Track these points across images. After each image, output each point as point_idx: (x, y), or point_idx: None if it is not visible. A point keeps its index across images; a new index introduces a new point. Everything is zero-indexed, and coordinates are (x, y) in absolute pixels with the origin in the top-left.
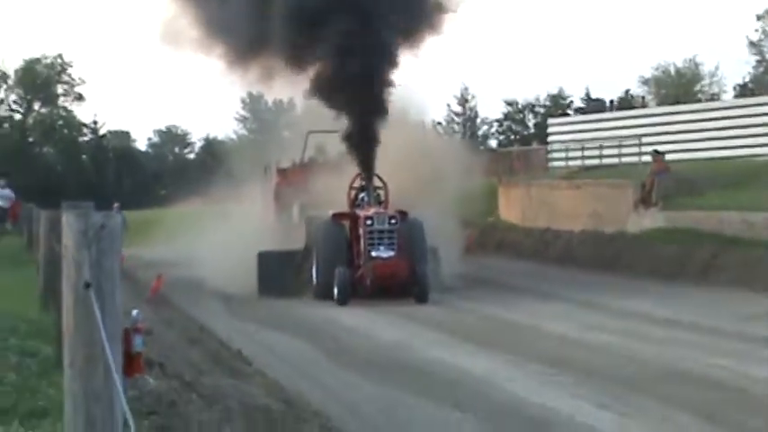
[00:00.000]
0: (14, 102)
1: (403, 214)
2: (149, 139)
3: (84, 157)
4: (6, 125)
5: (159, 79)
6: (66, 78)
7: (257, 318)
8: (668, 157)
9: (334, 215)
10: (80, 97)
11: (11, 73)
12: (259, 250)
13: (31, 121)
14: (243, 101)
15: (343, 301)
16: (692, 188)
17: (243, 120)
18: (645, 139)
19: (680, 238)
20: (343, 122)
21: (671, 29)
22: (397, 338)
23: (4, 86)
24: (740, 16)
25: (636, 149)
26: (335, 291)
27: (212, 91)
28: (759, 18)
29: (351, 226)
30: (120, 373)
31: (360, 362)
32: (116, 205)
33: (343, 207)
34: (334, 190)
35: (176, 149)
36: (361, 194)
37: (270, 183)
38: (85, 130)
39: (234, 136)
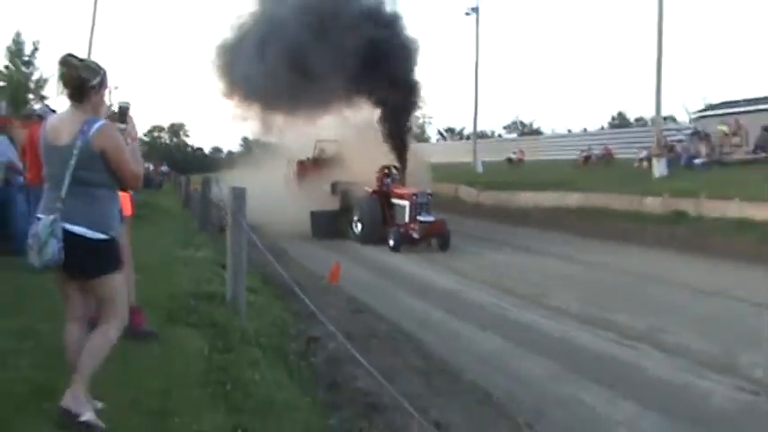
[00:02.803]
0: (167, 136)
1: None
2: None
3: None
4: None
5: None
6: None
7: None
8: None
9: (373, 192)
10: (186, 134)
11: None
12: (311, 210)
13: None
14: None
15: (397, 249)
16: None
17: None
18: None
19: None
20: (383, 120)
21: None
22: (391, 260)
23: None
24: None
25: None
26: (391, 242)
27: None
28: None
29: (381, 200)
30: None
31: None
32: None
33: (366, 184)
34: (337, 174)
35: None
36: (387, 179)
37: (291, 169)
38: (189, 146)
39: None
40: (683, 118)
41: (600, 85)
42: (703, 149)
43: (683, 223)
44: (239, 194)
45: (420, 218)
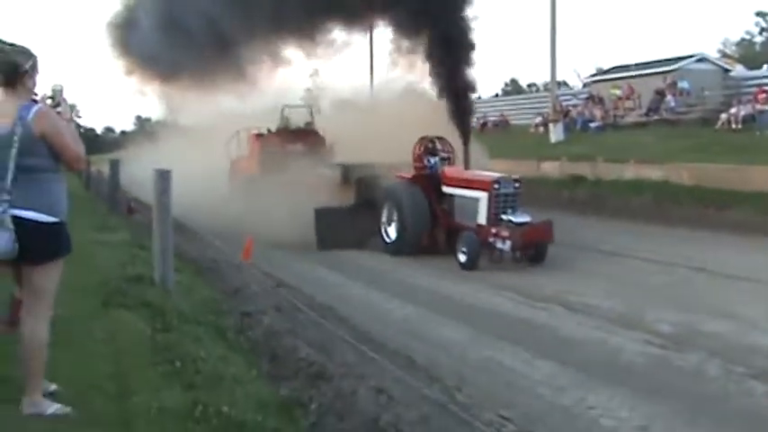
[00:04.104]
0: None
1: None
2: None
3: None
4: None
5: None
6: (74, 108)
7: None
8: None
9: (412, 177)
10: (78, 114)
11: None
12: (315, 207)
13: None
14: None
15: (471, 266)
16: None
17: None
18: None
19: None
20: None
21: None
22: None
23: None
24: None
25: None
26: (462, 257)
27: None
28: None
29: (425, 186)
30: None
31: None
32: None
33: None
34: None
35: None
36: (431, 158)
37: (241, 144)
38: (81, 127)
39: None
40: (574, 83)
41: (492, 53)
42: (598, 113)
43: (582, 186)
44: (164, 176)
45: (511, 218)
